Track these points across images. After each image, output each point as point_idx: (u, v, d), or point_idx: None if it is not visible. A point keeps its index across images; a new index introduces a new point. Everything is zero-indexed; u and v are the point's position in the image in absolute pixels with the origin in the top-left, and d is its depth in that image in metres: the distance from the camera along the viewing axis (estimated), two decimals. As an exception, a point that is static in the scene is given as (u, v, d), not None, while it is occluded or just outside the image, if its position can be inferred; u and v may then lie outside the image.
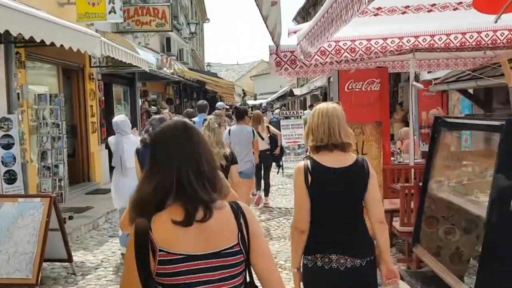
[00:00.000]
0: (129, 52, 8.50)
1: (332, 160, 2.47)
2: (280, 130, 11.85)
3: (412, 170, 6.10)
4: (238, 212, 1.54)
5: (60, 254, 4.91)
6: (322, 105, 2.60)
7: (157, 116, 5.08)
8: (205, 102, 8.69)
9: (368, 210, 2.53)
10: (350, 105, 6.22)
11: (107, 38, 8.55)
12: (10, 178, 6.37)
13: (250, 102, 41.03)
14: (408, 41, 4.56)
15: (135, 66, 9.28)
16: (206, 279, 1.45)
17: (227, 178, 4.21)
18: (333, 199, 2.48)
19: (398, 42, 4.56)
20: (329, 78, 6.34)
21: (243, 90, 19.04)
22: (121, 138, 5.58)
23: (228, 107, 24.18)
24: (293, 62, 4.84)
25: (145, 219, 1.46)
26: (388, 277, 2.54)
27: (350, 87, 6.14)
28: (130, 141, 5.59)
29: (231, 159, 4.35)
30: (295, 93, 35.47)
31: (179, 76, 13.56)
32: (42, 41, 5.41)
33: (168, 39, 15.76)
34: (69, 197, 8.50)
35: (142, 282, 1.42)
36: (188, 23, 19.14)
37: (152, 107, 15.17)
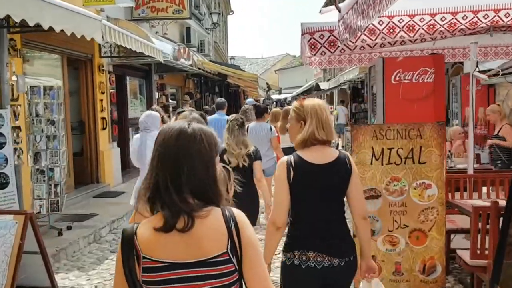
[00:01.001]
0: (140, 39, 7.57)
1: (316, 155, 2.44)
2: None
3: (472, 179, 5.00)
4: (230, 219, 1.46)
5: (41, 281, 4.02)
6: (319, 100, 2.58)
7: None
8: (223, 99, 8.30)
9: (350, 206, 2.52)
10: (397, 100, 5.14)
11: (119, 26, 7.67)
12: (1, 182, 5.53)
13: (275, 96, 39.92)
14: (486, 17, 3.46)
15: (149, 56, 8.39)
16: None
17: (250, 176, 4.18)
18: (314, 196, 2.45)
19: (472, 18, 3.46)
20: (369, 69, 5.21)
21: (267, 83, 17.96)
22: (145, 136, 4.94)
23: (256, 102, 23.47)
24: (332, 44, 3.81)
25: (133, 225, 1.46)
26: (367, 273, 2.56)
27: (397, 78, 5.05)
28: (153, 139, 4.69)
29: (255, 156, 4.27)
30: (321, 87, 34.32)
31: (198, 68, 12.59)
32: (39, 26, 4.56)
33: (188, 29, 14.83)
34: (74, 201, 7.69)
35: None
36: (211, 13, 18.16)
37: (171, 101, 14.31)
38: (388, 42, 4.11)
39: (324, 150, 2.47)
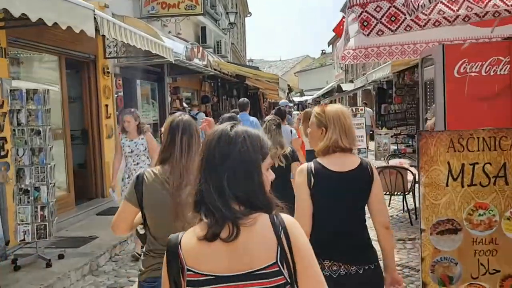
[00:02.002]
0: (146, 36, 6.64)
1: (337, 163, 2.39)
2: None
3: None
4: (279, 226, 1.34)
5: None
6: (341, 106, 2.53)
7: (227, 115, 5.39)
8: (246, 100, 8.05)
9: (372, 215, 2.44)
10: (462, 99, 4.06)
11: (125, 24, 6.75)
12: (-19, 203, 4.64)
13: (296, 99, 38.86)
14: None
15: (159, 56, 7.47)
16: None
17: (287, 178, 4.17)
18: (334, 204, 2.39)
19: None
20: (421, 60, 4.09)
21: (288, 85, 16.90)
22: None
23: (291, 104, 22.11)
24: (393, 18, 2.73)
25: (177, 234, 1.40)
26: (392, 286, 2.48)
27: (462, 70, 3.96)
28: None
29: (292, 157, 4.29)
30: (343, 89, 33.10)
31: (214, 69, 11.62)
32: (26, 19, 3.70)
33: (204, 29, 13.91)
34: (73, 221, 6.79)
35: None
36: (227, 13, 17.24)
37: (186, 105, 13.39)
38: (476, 14, 3.02)
39: (346, 157, 2.42)
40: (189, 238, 1.36)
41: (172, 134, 2.28)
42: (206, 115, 12.09)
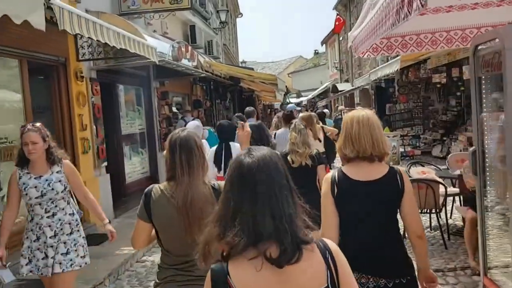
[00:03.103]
0: (122, 32, 5.55)
1: (362, 172, 2.35)
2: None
3: None
4: (325, 251, 1.40)
5: None
6: (359, 112, 2.44)
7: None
8: (252, 108, 8.26)
9: (405, 225, 2.40)
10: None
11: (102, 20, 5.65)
12: None
13: (293, 100, 37.88)
14: None
15: (142, 57, 6.42)
16: None
17: (313, 178, 4.32)
18: (359, 213, 2.34)
19: None
20: (474, 48, 2.95)
21: (286, 86, 15.77)
22: None
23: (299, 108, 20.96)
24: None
25: (220, 262, 1.36)
26: (426, 282, 2.42)
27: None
28: None
29: (318, 159, 4.42)
30: (339, 89, 32.11)
31: (206, 71, 10.54)
32: None
33: (193, 28, 12.83)
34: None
35: None
36: (218, 11, 16.17)
37: (175, 110, 12.29)
38: None
39: (371, 166, 2.36)
40: (243, 267, 1.34)
41: (172, 152, 2.33)
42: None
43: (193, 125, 5.47)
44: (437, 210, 5.52)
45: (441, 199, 5.58)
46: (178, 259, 2.30)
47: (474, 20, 4.59)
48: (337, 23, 25.20)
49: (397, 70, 11.67)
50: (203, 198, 2.25)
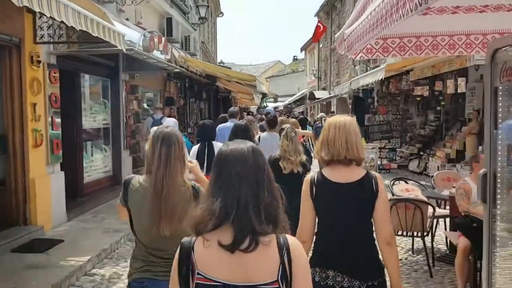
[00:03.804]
0: (84, 12, 4.85)
1: (340, 174, 2.44)
2: None
3: None
4: (283, 247, 1.46)
5: None
6: (337, 118, 2.56)
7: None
8: (236, 108, 8.24)
9: (376, 230, 2.43)
10: None
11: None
12: None
13: (270, 104, 37.44)
14: None
15: (109, 44, 5.74)
16: None
17: (301, 183, 3.82)
18: (336, 214, 2.42)
19: None
20: (493, 53, 2.41)
21: (262, 92, 15.08)
22: None
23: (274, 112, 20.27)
24: None
25: (190, 238, 1.49)
26: None
27: None
28: None
29: (308, 166, 4.56)
30: (316, 96, 31.80)
31: (180, 66, 9.83)
32: None
33: (170, 21, 12.12)
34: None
35: None
36: (197, 6, 15.48)
37: (146, 106, 11.54)
38: None
39: (349, 169, 2.44)
40: (206, 244, 1.44)
41: (154, 146, 2.40)
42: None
43: (172, 122, 5.22)
44: (424, 234, 5.01)
45: (428, 221, 5.09)
46: (149, 251, 2.34)
47: (480, 26, 4.12)
48: (317, 31, 24.79)
49: (380, 80, 11.24)
50: (179, 193, 2.29)
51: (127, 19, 9.40)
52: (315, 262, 2.41)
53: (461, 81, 9.94)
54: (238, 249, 1.41)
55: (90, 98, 8.79)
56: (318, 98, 30.77)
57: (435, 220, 5.54)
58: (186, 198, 2.28)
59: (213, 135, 5.07)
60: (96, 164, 9.01)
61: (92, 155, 8.94)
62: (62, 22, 4.51)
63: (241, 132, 4.64)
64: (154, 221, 2.25)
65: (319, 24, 29.73)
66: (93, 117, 8.91)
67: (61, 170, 6.96)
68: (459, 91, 10.29)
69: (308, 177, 2.53)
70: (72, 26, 4.78)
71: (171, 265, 1.62)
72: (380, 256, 2.46)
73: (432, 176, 11.64)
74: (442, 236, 6.08)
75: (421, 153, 14.13)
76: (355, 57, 4.46)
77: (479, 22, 4.01)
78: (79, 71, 7.93)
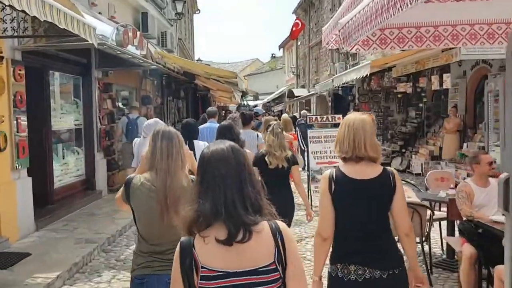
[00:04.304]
0: (48, 1, 4.35)
1: (357, 171, 2.48)
2: (307, 143, 7.97)
3: None
4: (276, 232, 1.61)
5: None
6: (351, 116, 2.61)
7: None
8: (214, 108, 8.26)
9: (394, 222, 2.52)
10: None
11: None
12: None
13: (250, 102, 37.04)
14: None
15: (79, 38, 5.26)
16: None
17: (287, 178, 4.71)
18: (356, 210, 2.48)
19: None
20: None
21: (243, 90, 14.60)
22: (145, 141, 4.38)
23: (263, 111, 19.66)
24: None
25: (189, 237, 1.59)
26: (415, 283, 2.55)
27: None
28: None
29: (293, 161, 4.64)
30: (296, 94, 31.54)
31: (157, 62, 9.33)
32: None
33: (145, 15, 11.59)
34: None
35: None
36: (174, 0, 14.94)
37: (121, 105, 10.99)
38: None
39: (367, 166, 2.49)
40: (205, 241, 1.56)
41: (154, 141, 2.48)
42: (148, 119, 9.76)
43: (153, 121, 4.99)
44: (422, 239, 4.70)
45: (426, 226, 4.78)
46: (152, 247, 2.41)
47: (483, 15, 3.81)
48: (294, 28, 24.49)
49: (365, 76, 10.96)
50: (182, 187, 2.36)
51: (99, 13, 8.85)
52: (336, 259, 2.49)
53: (446, 77, 9.74)
54: (234, 242, 1.53)
55: (60, 97, 8.23)
56: (297, 96, 30.51)
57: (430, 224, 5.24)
58: (188, 192, 2.25)
59: (196, 134, 5.07)
60: (67, 167, 8.45)
61: (63, 158, 8.38)
62: (23, 11, 4.01)
63: (227, 132, 4.59)
64: (161, 213, 2.33)
65: (297, 21, 29.50)
66: (64, 118, 8.35)
67: (29, 175, 6.41)
68: (444, 87, 10.09)
69: (326, 174, 2.55)
70: (37, 19, 4.33)
71: (171, 260, 1.73)
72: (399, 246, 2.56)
73: (418, 174, 11.65)
74: (436, 238, 5.80)
75: (403, 150, 13.97)
76: (351, 50, 4.10)
77: (485, 11, 3.69)
78: (48, 68, 7.37)
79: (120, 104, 11.02)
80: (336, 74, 20.76)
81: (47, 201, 7.33)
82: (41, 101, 7.23)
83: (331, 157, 7.95)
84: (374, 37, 3.96)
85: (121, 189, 2.54)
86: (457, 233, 4.88)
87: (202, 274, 1.53)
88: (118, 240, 6.52)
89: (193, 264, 1.54)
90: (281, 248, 1.58)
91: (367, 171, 2.47)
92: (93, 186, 8.87)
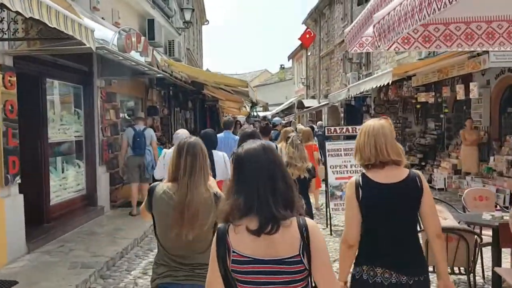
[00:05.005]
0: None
1: (383, 175, 2.47)
2: (325, 155, 7.38)
3: None
4: (303, 227, 1.73)
5: None
6: (369, 123, 2.59)
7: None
8: (231, 118, 8.26)
9: (424, 224, 2.51)
10: None
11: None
12: None
13: (260, 113, 36.55)
14: None
15: (71, 39, 4.73)
16: (271, 280, 1.71)
17: (307, 188, 4.91)
18: (383, 215, 2.47)
19: None
20: None
21: (253, 99, 14.01)
22: None
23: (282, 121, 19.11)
24: None
25: (225, 225, 1.77)
26: None
27: None
28: None
29: (313, 172, 4.91)
30: (306, 105, 30.92)
31: (163, 71, 8.77)
32: None
33: (152, 22, 11.07)
34: None
35: (222, 274, 1.74)
36: (182, 9, 14.47)
37: (126, 117, 10.44)
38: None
39: (392, 170, 2.48)
40: (238, 230, 1.73)
41: (179, 155, 2.53)
42: (154, 131, 9.18)
43: (181, 131, 5.20)
44: (469, 269, 4.01)
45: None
46: (171, 257, 2.47)
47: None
48: (307, 36, 24.02)
49: (385, 84, 10.30)
50: (202, 201, 2.42)
51: (103, 18, 8.34)
52: (362, 261, 2.48)
53: (473, 86, 9.06)
54: (263, 233, 1.69)
55: (59, 107, 7.68)
56: (307, 107, 29.88)
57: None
58: (208, 205, 2.42)
59: (215, 144, 4.94)
60: (67, 182, 7.86)
61: (62, 172, 7.80)
62: (3, 5, 3.45)
63: (248, 138, 4.67)
64: (177, 227, 2.38)
65: (308, 30, 29.04)
66: (64, 129, 7.78)
67: (21, 192, 5.82)
68: (471, 96, 9.39)
69: (352, 180, 2.54)
70: (30, 21, 3.79)
71: (192, 270, 2.23)
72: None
73: (441, 189, 10.89)
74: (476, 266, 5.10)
75: (423, 163, 13.26)
76: (388, 49, 3.47)
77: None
78: (45, 75, 6.82)
79: (125, 115, 10.47)
80: (349, 84, 20.13)
81: (42, 219, 6.74)
82: (37, 111, 6.67)
83: (351, 171, 7.28)
84: (416, 34, 3.34)
85: (145, 199, 2.60)
86: (506, 263, 4.19)
87: (233, 258, 1.71)
88: (118, 264, 5.89)
89: (226, 249, 1.71)
90: (306, 242, 1.70)
91: (393, 175, 2.45)
92: (94, 201, 8.28)
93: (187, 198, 2.38)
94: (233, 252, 1.71)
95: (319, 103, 28.56)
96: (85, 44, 4.83)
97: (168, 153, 5.23)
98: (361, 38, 3.96)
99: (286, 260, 1.68)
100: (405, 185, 2.43)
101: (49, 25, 4.03)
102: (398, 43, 3.37)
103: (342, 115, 23.46)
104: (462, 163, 10.71)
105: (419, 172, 2.51)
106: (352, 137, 7.73)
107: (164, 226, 2.46)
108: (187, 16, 14.47)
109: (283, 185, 1.75)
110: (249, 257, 1.70)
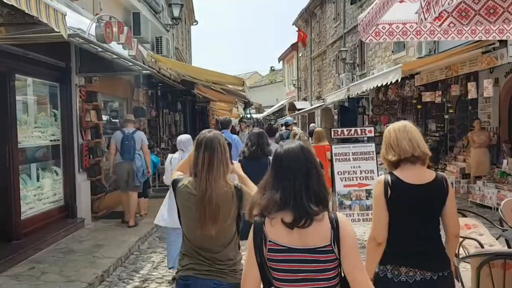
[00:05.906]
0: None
1: (412, 176, 2.50)
2: (331, 160, 6.66)
3: None
4: (333, 220, 1.86)
5: None
6: (396, 123, 2.66)
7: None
8: (228, 118, 8.18)
9: (444, 224, 2.57)
10: None
11: None
12: None
13: (253, 115, 35.81)
14: None
15: (39, 24, 3.95)
16: (304, 268, 1.83)
17: None
18: (411, 215, 2.50)
19: None
20: None
21: (249, 99, 13.21)
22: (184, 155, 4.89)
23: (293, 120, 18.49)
24: None
25: (261, 217, 1.90)
26: None
27: None
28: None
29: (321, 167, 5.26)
30: (298, 107, 30.23)
31: (149, 66, 7.92)
32: None
33: (137, 16, 10.22)
34: None
35: (258, 262, 1.87)
36: (170, 4, 13.62)
37: (111, 119, 9.57)
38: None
39: (420, 170, 2.52)
40: (274, 221, 1.86)
41: (197, 150, 2.57)
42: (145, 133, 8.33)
43: (184, 137, 5.24)
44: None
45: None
46: (196, 249, 2.51)
47: None
48: (301, 34, 23.45)
49: (396, 81, 9.55)
50: (222, 195, 2.44)
51: (83, 8, 7.48)
52: (387, 260, 2.49)
53: (487, 83, 8.37)
54: (296, 226, 1.82)
55: (32, 107, 6.82)
56: (299, 109, 29.19)
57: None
58: (229, 199, 2.46)
59: None
60: (42, 192, 6.97)
61: (37, 180, 6.93)
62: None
63: (256, 137, 4.93)
64: (199, 223, 2.41)
65: (300, 32, 28.42)
66: (39, 132, 6.91)
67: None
68: (485, 95, 8.71)
69: (380, 179, 2.55)
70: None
71: (214, 264, 2.43)
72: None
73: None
74: None
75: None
76: (406, 39, 2.75)
77: None
78: (13, 71, 5.94)
79: (109, 117, 9.60)
80: (342, 85, 19.45)
81: (11, 236, 5.86)
82: (4, 112, 5.80)
83: (362, 178, 6.53)
84: (411, 28, 2.67)
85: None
86: None
87: (269, 247, 1.85)
88: (98, 290, 5.04)
89: (263, 238, 1.85)
90: (336, 232, 1.83)
91: (421, 176, 2.49)
92: (73, 213, 7.40)
93: (207, 194, 2.42)
94: (270, 241, 1.85)
95: (311, 105, 27.89)
96: (56, 32, 4.02)
97: (174, 158, 5.10)
98: (377, 26, 3.29)
99: (318, 249, 1.82)
100: (434, 187, 2.48)
101: (8, 2, 3.20)
102: (453, 17, 2.60)
103: (336, 117, 22.81)
104: (472, 167, 10.05)
105: (444, 174, 2.58)
106: (343, 140, 7.01)
107: (187, 219, 2.52)
108: (176, 12, 13.62)
109: (317, 183, 1.89)
110: (284, 246, 1.83)
